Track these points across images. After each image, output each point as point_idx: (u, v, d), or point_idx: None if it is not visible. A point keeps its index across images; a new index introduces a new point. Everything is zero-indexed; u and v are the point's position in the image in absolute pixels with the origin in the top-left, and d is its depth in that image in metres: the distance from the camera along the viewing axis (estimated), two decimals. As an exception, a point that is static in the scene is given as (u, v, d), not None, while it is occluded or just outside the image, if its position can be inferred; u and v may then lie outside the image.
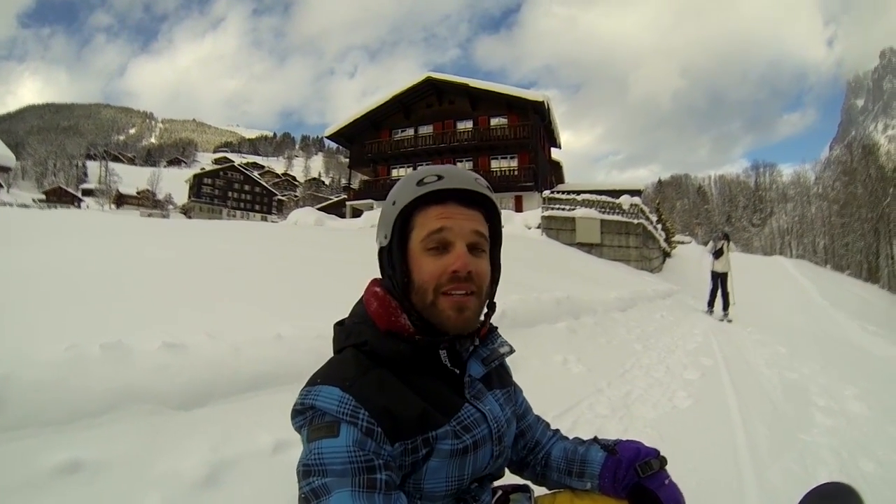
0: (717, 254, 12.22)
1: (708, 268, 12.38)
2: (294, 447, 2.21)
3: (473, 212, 1.08)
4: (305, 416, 0.96)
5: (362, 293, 1.16)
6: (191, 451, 2.09)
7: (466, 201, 1.07)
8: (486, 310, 1.15)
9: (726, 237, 12.67)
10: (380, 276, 1.16)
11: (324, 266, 6.49)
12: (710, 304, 12.00)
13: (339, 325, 1.16)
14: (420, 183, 1.05)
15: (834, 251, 65.98)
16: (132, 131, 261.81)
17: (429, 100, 36.06)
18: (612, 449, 1.21)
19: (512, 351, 1.25)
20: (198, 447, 2.12)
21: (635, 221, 19.10)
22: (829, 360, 6.26)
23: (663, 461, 1.18)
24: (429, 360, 1.06)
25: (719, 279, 11.96)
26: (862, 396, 4.68)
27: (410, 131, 36.84)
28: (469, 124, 35.01)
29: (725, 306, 11.37)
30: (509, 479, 1.30)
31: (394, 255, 1.07)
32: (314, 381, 0.99)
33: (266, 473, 2.10)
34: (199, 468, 2.01)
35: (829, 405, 4.37)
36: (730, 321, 10.63)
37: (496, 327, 1.24)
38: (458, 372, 1.11)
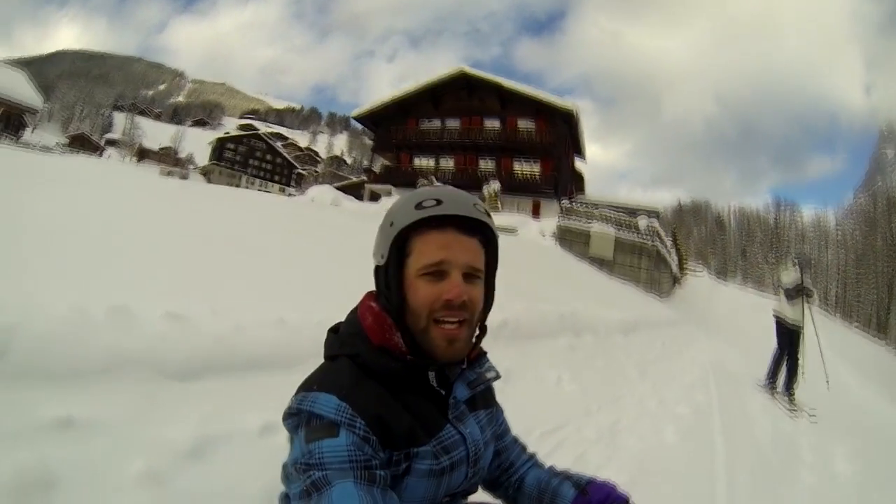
0: (795, 292, 7.66)
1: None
2: (281, 431, 2.21)
3: (471, 239, 1.08)
4: (301, 417, 0.97)
5: (358, 303, 1.17)
6: (181, 421, 2.13)
7: (465, 227, 1.07)
8: (476, 332, 1.16)
9: (809, 263, 8.15)
10: (374, 290, 1.17)
11: (334, 252, 6.50)
12: (774, 375, 7.68)
13: (334, 332, 1.17)
14: (419, 206, 1.05)
15: (845, 300, 65.21)
16: (161, 87, 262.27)
17: (459, 93, 35.92)
18: (584, 489, 1.22)
19: (498, 377, 1.27)
20: (188, 419, 2.15)
21: (650, 243, 19.05)
22: (824, 415, 6.21)
23: None
24: (417, 380, 1.08)
25: (791, 336, 7.64)
26: (851, 457, 4.64)
27: (437, 122, 36.74)
28: (496, 123, 34.89)
29: (791, 382, 7.31)
30: (481, 495, 1.33)
31: (390, 276, 1.07)
32: (309, 386, 1.01)
33: (251, 453, 2.13)
34: (186, 439, 2.05)
35: (817, 462, 4.35)
36: (793, 407, 6.71)
37: (486, 352, 1.26)
38: (443, 393, 1.13)
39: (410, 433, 1.00)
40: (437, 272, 1.04)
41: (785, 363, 7.51)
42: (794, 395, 7.11)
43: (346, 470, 0.88)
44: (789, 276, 7.82)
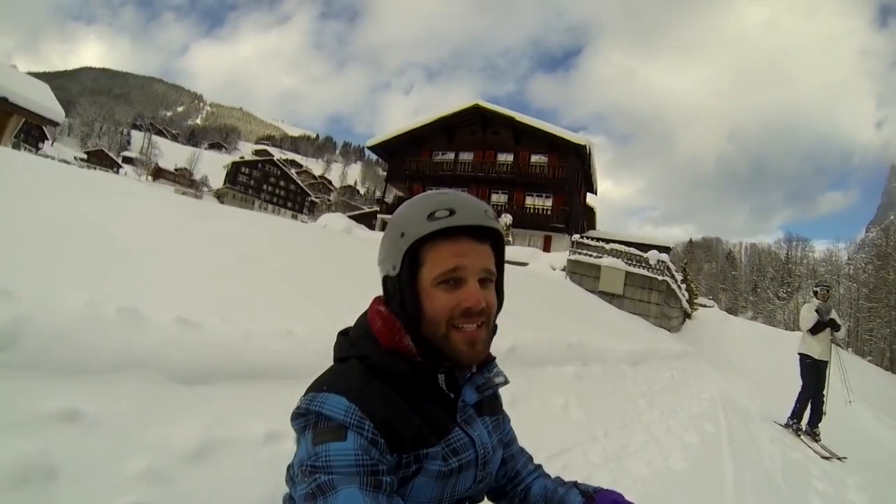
0: (821, 326, 7.37)
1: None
2: (285, 440, 2.23)
3: (484, 246, 1.09)
4: (309, 418, 0.97)
5: (367, 308, 1.18)
6: (185, 424, 2.12)
7: (477, 235, 1.08)
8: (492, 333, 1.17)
9: (828, 292, 7.82)
10: (382, 295, 1.18)
11: (346, 273, 6.52)
12: (799, 415, 7.33)
13: (343, 335, 1.18)
14: (431, 217, 1.04)
15: (858, 335, 64.27)
16: (179, 109, 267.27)
17: (473, 127, 36.36)
18: (591, 497, 1.22)
19: (506, 382, 1.26)
20: (192, 422, 2.15)
21: (660, 278, 18.92)
22: (837, 446, 6.11)
23: None
24: (426, 382, 1.08)
25: (819, 373, 7.35)
26: (864, 487, 4.57)
27: (451, 155, 37.13)
28: (510, 157, 35.23)
29: (816, 419, 7.09)
30: (486, 504, 1.31)
31: (403, 286, 1.07)
32: (319, 387, 1.01)
33: (254, 460, 2.13)
34: (190, 442, 2.05)
35: (828, 491, 4.27)
36: (826, 453, 6.20)
37: (494, 357, 1.25)
38: (452, 396, 1.13)
39: (419, 435, 1.00)
40: (453, 280, 1.04)
41: (810, 400, 7.23)
42: (818, 433, 6.90)
43: (352, 475, 0.88)
44: (810, 309, 7.56)
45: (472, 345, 1.06)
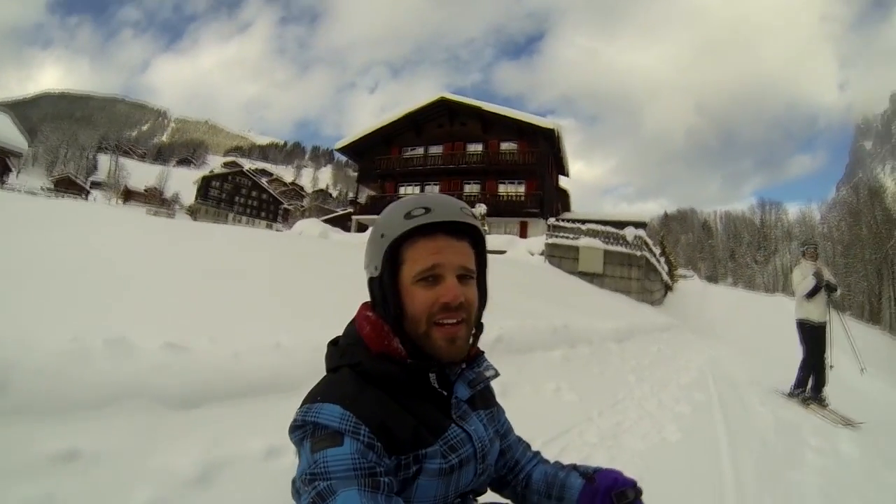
0: (818, 289, 7.10)
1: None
2: (285, 454, 2.25)
3: (461, 242, 1.11)
4: (306, 429, 0.98)
5: (355, 315, 1.19)
6: (185, 449, 2.14)
7: (454, 232, 1.10)
8: (473, 330, 1.18)
9: (815, 249, 7.52)
10: (369, 300, 1.19)
11: (326, 278, 6.51)
12: (803, 382, 7.07)
13: (333, 345, 1.19)
14: (408, 216, 1.07)
15: (836, 291, 65.40)
16: (144, 128, 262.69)
17: (440, 120, 36.23)
18: (591, 477, 1.24)
19: (497, 375, 1.28)
20: (192, 446, 2.17)
21: (638, 253, 19.05)
22: (847, 411, 6.18)
23: (639, 492, 1.19)
24: (418, 383, 1.10)
25: (819, 337, 7.11)
26: (856, 439, 4.68)
27: (421, 150, 36.97)
28: (479, 147, 35.15)
29: (820, 384, 6.85)
30: (490, 496, 1.34)
31: (385, 286, 1.10)
32: (314, 398, 1.02)
33: (256, 477, 2.14)
34: (191, 467, 2.06)
35: (822, 445, 4.37)
36: (839, 419, 5.90)
37: (483, 351, 1.27)
38: (445, 394, 1.15)
39: (416, 436, 1.02)
40: (431, 277, 1.06)
41: (812, 366, 6.99)
42: (825, 399, 6.67)
43: (350, 478, 0.90)
44: (803, 271, 7.30)
45: (452, 341, 1.08)
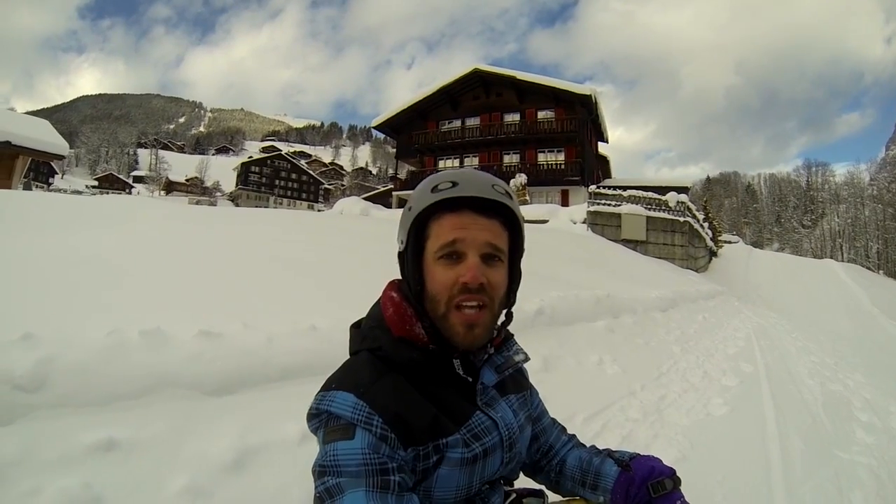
0: None
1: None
2: (320, 439, 2.24)
3: (490, 220, 1.04)
4: (321, 418, 0.96)
5: (381, 294, 1.15)
6: (220, 435, 2.16)
7: (482, 209, 1.03)
8: (503, 318, 1.13)
9: None
10: (399, 278, 1.15)
11: (363, 256, 6.51)
12: None
13: (356, 328, 1.15)
14: (435, 189, 1.02)
15: (888, 256, 62.72)
16: (181, 120, 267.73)
17: (476, 92, 35.97)
18: (626, 465, 1.19)
19: (527, 359, 1.22)
20: (227, 433, 2.18)
21: (681, 219, 18.73)
22: (876, 373, 6.00)
23: (677, 481, 1.14)
24: (442, 369, 1.06)
25: None
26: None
27: (457, 123, 36.80)
28: (516, 117, 34.81)
29: None
30: (523, 481, 1.30)
31: (408, 261, 1.05)
32: (329, 385, 1.00)
33: (291, 463, 2.15)
34: (226, 453, 2.08)
35: (872, 421, 4.18)
36: None
37: (512, 335, 1.21)
38: (470, 380, 1.10)
39: (435, 425, 0.98)
40: (453, 254, 1.01)
41: None
42: None
43: (359, 476, 0.87)
44: None
45: (470, 328, 1.01)
